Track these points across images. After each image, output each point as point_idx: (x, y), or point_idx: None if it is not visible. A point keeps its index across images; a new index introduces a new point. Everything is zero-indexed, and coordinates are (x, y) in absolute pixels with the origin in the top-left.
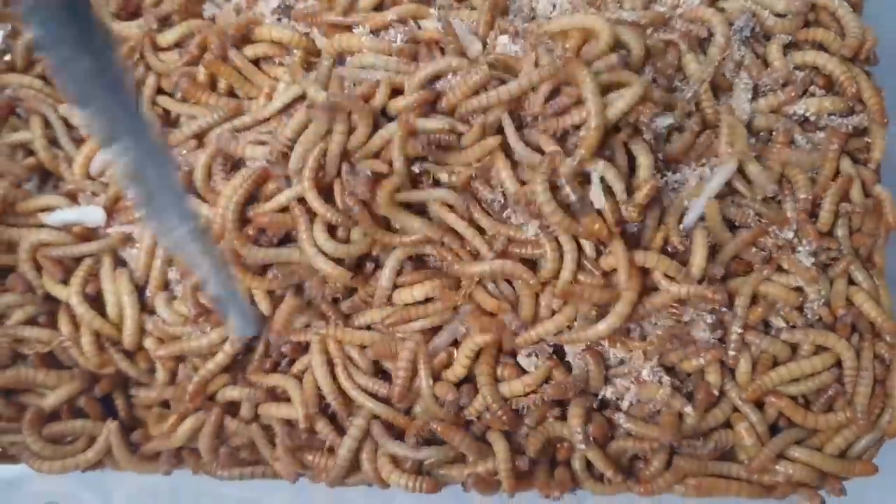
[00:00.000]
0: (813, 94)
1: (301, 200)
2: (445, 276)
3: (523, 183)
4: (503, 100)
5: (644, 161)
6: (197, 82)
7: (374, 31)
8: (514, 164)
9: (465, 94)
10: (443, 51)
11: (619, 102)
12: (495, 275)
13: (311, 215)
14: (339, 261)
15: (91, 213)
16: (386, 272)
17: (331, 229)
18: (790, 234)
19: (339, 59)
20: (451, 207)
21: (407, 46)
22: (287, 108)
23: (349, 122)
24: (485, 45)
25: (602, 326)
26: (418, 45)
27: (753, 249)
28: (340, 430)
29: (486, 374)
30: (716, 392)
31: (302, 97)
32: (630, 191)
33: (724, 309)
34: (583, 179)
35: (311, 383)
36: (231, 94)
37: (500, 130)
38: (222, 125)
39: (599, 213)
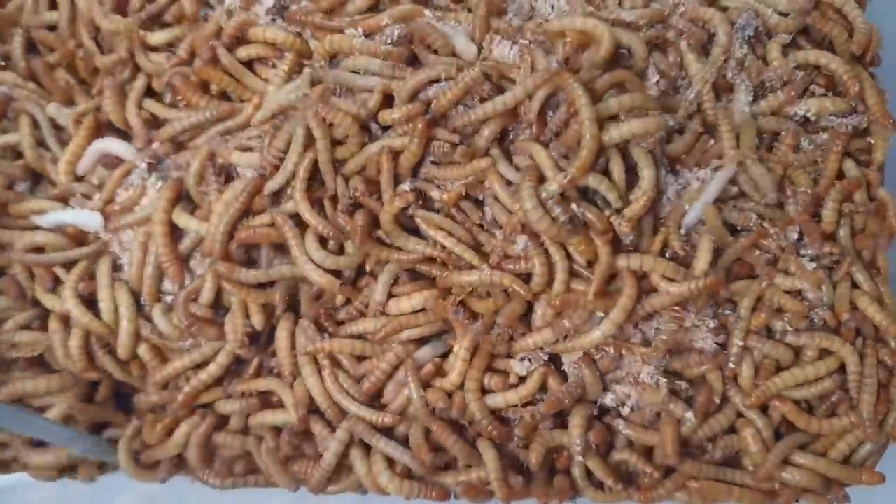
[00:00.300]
0: (813, 94)
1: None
2: (439, 288)
3: None
4: (498, 111)
5: (648, 173)
6: (190, 81)
7: (369, 35)
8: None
9: (457, 95)
10: (437, 52)
11: (623, 128)
12: (486, 285)
13: (302, 227)
14: (335, 272)
15: (88, 218)
16: (379, 287)
17: (322, 240)
18: (794, 236)
19: (333, 61)
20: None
21: (395, 50)
22: (277, 115)
23: (330, 132)
24: (480, 48)
25: (597, 334)
26: (412, 46)
27: (757, 252)
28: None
29: (473, 389)
30: (717, 399)
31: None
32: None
33: (727, 312)
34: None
35: (303, 386)
36: (224, 96)
37: (497, 140)
38: (212, 127)
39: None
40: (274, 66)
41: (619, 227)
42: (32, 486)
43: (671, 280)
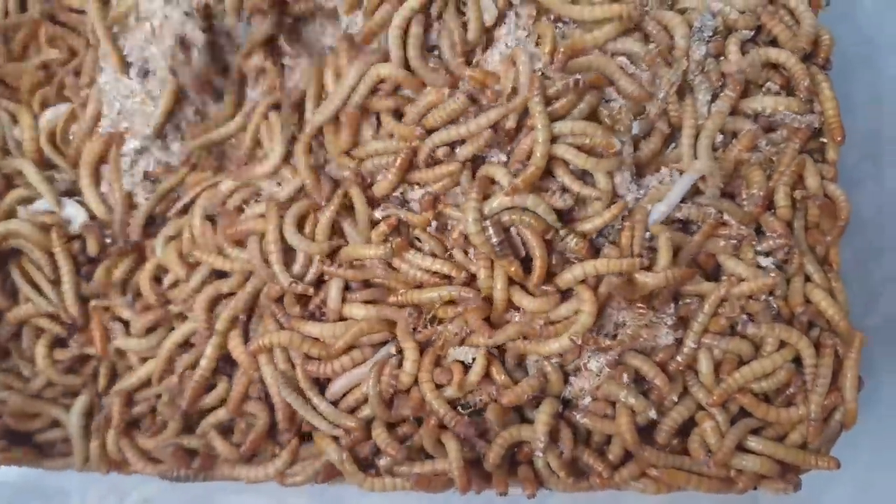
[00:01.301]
0: (769, 91)
1: None
2: (394, 303)
3: None
4: (473, 132)
5: (603, 184)
6: None
7: None
8: None
9: (443, 119)
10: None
11: (579, 160)
12: (453, 298)
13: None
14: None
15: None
16: (333, 293)
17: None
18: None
19: None
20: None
21: None
22: None
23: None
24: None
25: (554, 346)
26: None
27: (722, 243)
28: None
29: (428, 386)
30: (674, 397)
31: None
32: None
33: (688, 301)
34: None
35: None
36: None
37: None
38: None
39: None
40: None
41: (573, 246)
42: None
43: (647, 270)
